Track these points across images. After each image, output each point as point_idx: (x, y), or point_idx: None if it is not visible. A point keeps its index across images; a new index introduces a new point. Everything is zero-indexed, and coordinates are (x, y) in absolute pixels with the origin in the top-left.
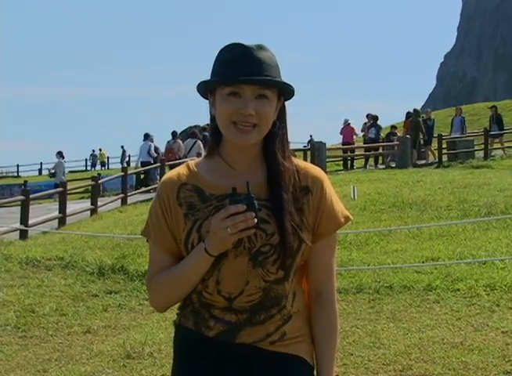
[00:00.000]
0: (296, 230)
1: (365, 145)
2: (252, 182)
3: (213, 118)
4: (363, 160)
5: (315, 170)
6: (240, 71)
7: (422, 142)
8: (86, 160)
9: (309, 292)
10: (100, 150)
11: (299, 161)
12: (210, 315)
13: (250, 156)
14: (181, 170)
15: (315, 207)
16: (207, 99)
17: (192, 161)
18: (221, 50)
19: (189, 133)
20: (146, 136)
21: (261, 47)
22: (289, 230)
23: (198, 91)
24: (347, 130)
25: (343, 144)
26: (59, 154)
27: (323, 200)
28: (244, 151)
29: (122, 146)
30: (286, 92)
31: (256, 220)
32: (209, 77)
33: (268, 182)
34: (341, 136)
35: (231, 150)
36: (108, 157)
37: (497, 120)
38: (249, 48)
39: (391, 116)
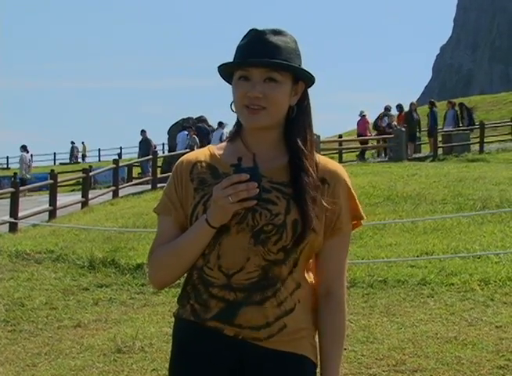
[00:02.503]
0: (312, 214)
1: (370, 137)
2: (270, 166)
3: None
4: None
5: (335, 165)
6: (248, 55)
7: (418, 135)
8: (77, 151)
9: (318, 290)
10: (83, 143)
11: (319, 156)
12: (209, 294)
13: (267, 141)
14: (200, 151)
15: (330, 201)
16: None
17: (213, 145)
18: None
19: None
20: (220, 124)
21: (276, 31)
22: (309, 211)
23: (223, 78)
24: (362, 122)
25: (358, 136)
26: (23, 148)
27: (343, 195)
28: (260, 136)
29: (72, 142)
30: (302, 76)
31: (258, 190)
32: (212, 67)
33: (289, 166)
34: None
35: (249, 134)
36: (99, 150)
37: (468, 115)
38: (261, 32)
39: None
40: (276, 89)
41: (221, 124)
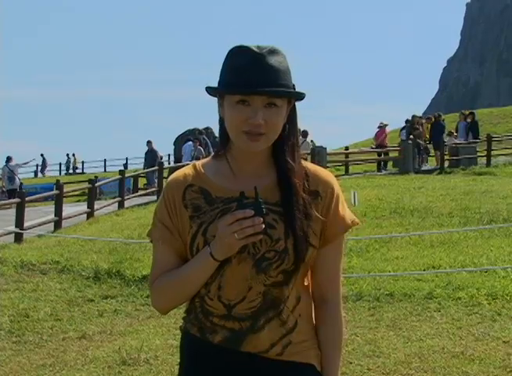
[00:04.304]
0: (305, 235)
1: (378, 149)
2: (260, 186)
3: (221, 119)
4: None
5: (325, 174)
6: (250, 80)
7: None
8: (83, 162)
9: (314, 297)
10: (74, 154)
11: (308, 164)
12: (211, 323)
13: (258, 160)
14: (187, 170)
15: (324, 212)
16: (215, 96)
17: (198, 162)
18: (230, 53)
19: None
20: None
21: (272, 51)
22: (301, 237)
23: (207, 91)
24: (381, 133)
25: (377, 146)
26: (7, 159)
27: (333, 205)
28: (252, 156)
29: (42, 154)
30: (299, 98)
31: (263, 225)
32: (213, 79)
33: (278, 185)
34: (374, 138)
35: (239, 153)
36: (105, 160)
37: (473, 127)
38: (259, 55)
39: (393, 121)
40: (276, 114)
41: None
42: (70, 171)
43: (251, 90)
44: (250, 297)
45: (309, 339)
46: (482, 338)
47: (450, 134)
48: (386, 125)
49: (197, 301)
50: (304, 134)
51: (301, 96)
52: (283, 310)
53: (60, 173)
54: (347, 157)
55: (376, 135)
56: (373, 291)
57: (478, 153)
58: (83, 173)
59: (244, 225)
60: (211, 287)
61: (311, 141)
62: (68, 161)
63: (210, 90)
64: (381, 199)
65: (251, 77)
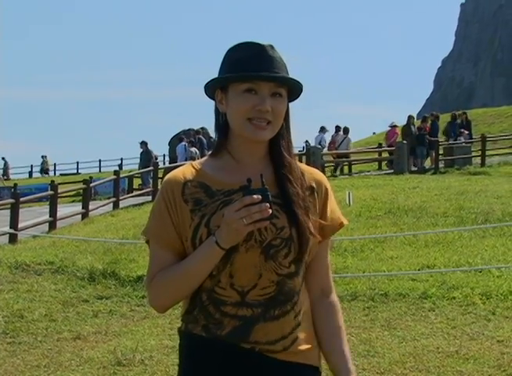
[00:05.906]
0: (307, 225)
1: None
2: (259, 179)
3: (220, 115)
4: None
5: (318, 173)
6: (260, 68)
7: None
8: (78, 163)
9: (313, 292)
10: (46, 156)
11: (301, 164)
12: (221, 313)
13: (258, 154)
14: (184, 168)
15: (320, 208)
16: (212, 98)
17: (195, 161)
18: (232, 49)
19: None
20: (322, 129)
21: (272, 47)
22: (303, 222)
23: (206, 88)
24: (392, 133)
25: (388, 146)
26: None
27: (327, 202)
28: (254, 149)
29: (3, 158)
30: (294, 92)
31: (271, 211)
32: (212, 78)
33: (277, 178)
34: (385, 138)
35: (240, 147)
36: (100, 161)
37: (468, 127)
38: (264, 47)
39: (388, 121)
40: (281, 104)
41: (322, 129)
42: (43, 173)
43: (264, 76)
44: (262, 284)
45: (311, 337)
46: (477, 337)
47: (460, 133)
48: (396, 126)
49: (204, 294)
50: (346, 130)
51: (301, 90)
52: (297, 303)
53: (55, 173)
54: (341, 157)
55: (387, 134)
56: (367, 291)
57: (473, 153)
58: (78, 173)
59: (252, 211)
60: (221, 277)
61: (306, 141)
62: (43, 163)
63: (214, 83)
64: (376, 199)
65: (260, 65)
